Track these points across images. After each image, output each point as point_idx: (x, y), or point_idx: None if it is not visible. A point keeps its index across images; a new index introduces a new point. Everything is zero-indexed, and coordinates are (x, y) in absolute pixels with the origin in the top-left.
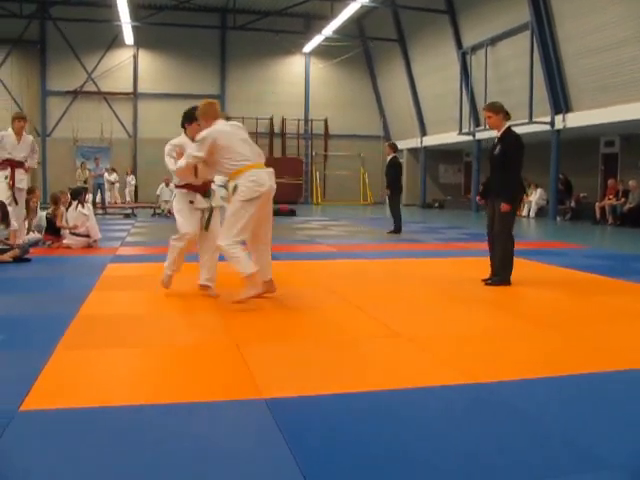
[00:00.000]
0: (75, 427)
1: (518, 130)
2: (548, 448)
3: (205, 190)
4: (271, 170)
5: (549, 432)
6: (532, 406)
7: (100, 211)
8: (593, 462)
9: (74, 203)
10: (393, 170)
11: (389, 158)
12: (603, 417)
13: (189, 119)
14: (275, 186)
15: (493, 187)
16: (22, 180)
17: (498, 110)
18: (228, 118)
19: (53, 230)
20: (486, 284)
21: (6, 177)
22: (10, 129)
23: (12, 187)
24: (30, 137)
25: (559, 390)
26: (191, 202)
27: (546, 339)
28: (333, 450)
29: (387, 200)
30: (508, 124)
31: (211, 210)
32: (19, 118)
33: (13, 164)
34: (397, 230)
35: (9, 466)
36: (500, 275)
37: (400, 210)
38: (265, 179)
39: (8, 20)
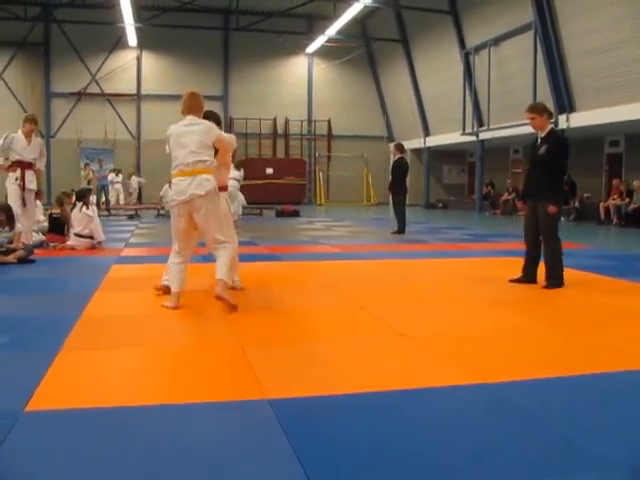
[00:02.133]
0: (80, 427)
1: (522, 130)
2: (552, 447)
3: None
4: (201, 177)
5: (553, 431)
6: (537, 406)
7: (105, 212)
8: (596, 461)
9: (78, 204)
10: (399, 171)
11: (395, 159)
12: (607, 417)
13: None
14: (202, 193)
15: (534, 188)
16: (32, 182)
17: (542, 111)
18: (209, 112)
19: (58, 230)
20: (543, 287)
21: (17, 179)
22: (19, 131)
23: (23, 189)
24: (39, 139)
25: (564, 390)
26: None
27: (551, 339)
28: (337, 451)
29: (390, 200)
30: (552, 125)
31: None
32: (30, 120)
33: (24, 165)
34: (401, 231)
35: (14, 466)
36: (553, 277)
37: (403, 210)
38: (183, 188)
39: (13, 23)
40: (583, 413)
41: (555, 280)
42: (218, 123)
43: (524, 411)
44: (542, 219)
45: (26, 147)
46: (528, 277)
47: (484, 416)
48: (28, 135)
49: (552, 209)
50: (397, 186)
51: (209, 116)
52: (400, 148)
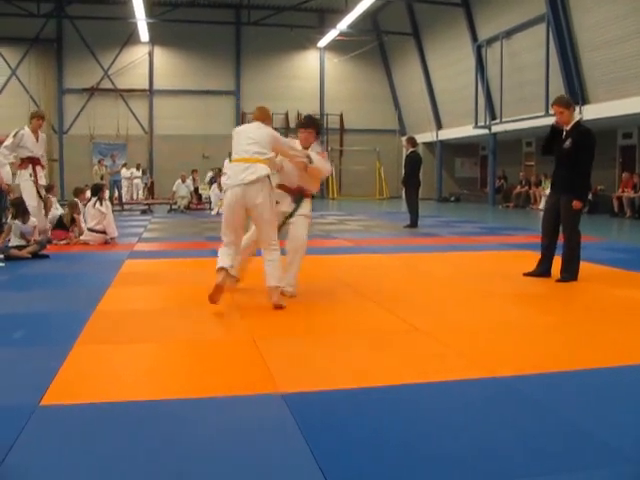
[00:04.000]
0: (94, 422)
1: (535, 123)
2: (567, 441)
3: (296, 195)
4: (257, 165)
5: (568, 425)
6: (551, 399)
7: (117, 207)
8: (611, 455)
9: (93, 199)
10: (411, 164)
11: (408, 152)
12: (621, 410)
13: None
14: (253, 178)
15: (559, 182)
16: (42, 177)
17: (569, 105)
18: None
19: (62, 227)
20: (557, 281)
21: (30, 175)
22: (27, 127)
23: (36, 184)
24: (43, 135)
25: (578, 383)
26: (277, 202)
27: (564, 332)
28: (350, 444)
29: (403, 194)
30: (578, 118)
31: (289, 216)
32: (39, 116)
33: (35, 162)
34: (413, 224)
35: (30, 460)
36: (568, 272)
37: (418, 205)
38: (236, 172)
39: (25, 19)
40: (599, 406)
41: (570, 274)
42: (318, 132)
43: (540, 405)
44: (564, 213)
45: (35, 144)
46: (543, 271)
47: (499, 409)
48: (35, 131)
49: (576, 204)
50: (410, 180)
51: (311, 122)
52: (412, 142)
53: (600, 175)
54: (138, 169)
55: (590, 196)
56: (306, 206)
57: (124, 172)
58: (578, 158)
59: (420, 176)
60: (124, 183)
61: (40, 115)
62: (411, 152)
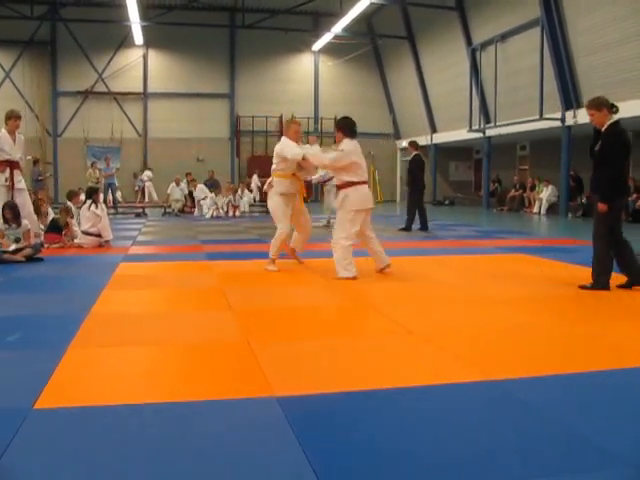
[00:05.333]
0: (88, 425)
1: (528, 127)
2: (565, 444)
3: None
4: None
5: (566, 428)
6: (548, 403)
7: (112, 210)
8: (610, 458)
9: (88, 202)
10: (414, 168)
11: (411, 156)
12: (619, 414)
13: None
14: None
15: (591, 185)
16: (20, 181)
17: (600, 106)
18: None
19: (55, 230)
20: (579, 287)
21: (6, 179)
22: (3, 129)
23: (12, 189)
24: (21, 136)
25: (576, 387)
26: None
27: (562, 336)
28: (345, 448)
29: (407, 197)
30: (615, 118)
31: None
32: (15, 117)
33: (13, 165)
34: (424, 226)
35: (23, 463)
36: (595, 281)
37: (415, 209)
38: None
39: (19, 22)
40: (597, 410)
41: (594, 285)
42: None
43: (537, 408)
44: (593, 218)
45: (12, 146)
46: (598, 284)
47: (496, 413)
48: (13, 132)
49: (600, 206)
50: (413, 183)
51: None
52: (415, 145)
53: None
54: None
55: (584, 200)
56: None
57: (148, 174)
58: (605, 159)
59: (423, 179)
60: (147, 185)
61: (16, 115)
62: (414, 155)
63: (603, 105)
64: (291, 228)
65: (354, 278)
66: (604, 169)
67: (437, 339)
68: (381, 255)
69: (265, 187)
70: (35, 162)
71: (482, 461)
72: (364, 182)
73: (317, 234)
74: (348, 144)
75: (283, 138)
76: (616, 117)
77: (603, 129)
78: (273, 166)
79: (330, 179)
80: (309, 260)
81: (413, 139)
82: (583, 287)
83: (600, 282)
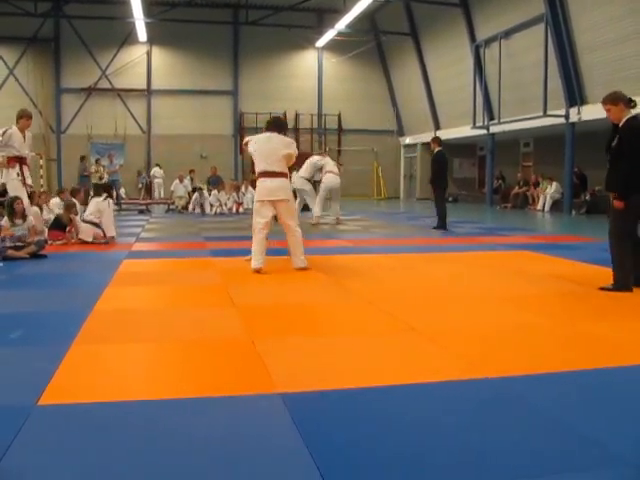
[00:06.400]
0: (91, 421)
1: (532, 123)
2: (564, 443)
3: None
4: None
5: (565, 427)
6: (547, 401)
7: (115, 207)
8: (609, 457)
9: (104, 196)
10: (436, 164)
11: (434, 152)
12: (619, 412)
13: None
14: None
15: (606, 182)
16: (29, 177)
17: (616, 100)
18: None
19: (59, 227)
20: (600, 289)
21: (18, 175)
22: (14, 126)
23: (24, 184)
24: (30, 134)
25: (577, 385)
26: None
27: (562, 334)
28: (348, 445)
29: (433, 196)
30: (633, 113)
31: None
32: (27, 116)
33: (22, 161)
34: (441, 226)
35: (27, 460)
36: (615, 281)
37: (444, 205)
38: None
39: (23, 19)
40: (597, 409)
41: (614, 286)
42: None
43: (536, 406)
44: (610, 215)
45: (22, 143)
46: (617, 285)
47: (495, 411)
48: (23, 130)
49: (615, 203)
50: (437, 180)
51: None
52: (438, 141)
53: (598, 176)
54: (160, 168)
55: (588, 197)
56: None
57: (158, 171)
58: (622, 155)
59: (446, 177)
60: (156, 182)
61: (28, 115)
62: (437, 152)
63: (620, 99)
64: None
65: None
66: (621, 165)
67: (440, 337)
68: (294, 253)
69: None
70: (82, 158)
71: (483, 459)
72: (266, 174)
73: (323, 231)
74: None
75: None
76: (633, 112)
77: (620, 124)
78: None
79: None
80: (313, 257)
81: (436, 136)
82: (603, 289)
83: (620, 283)
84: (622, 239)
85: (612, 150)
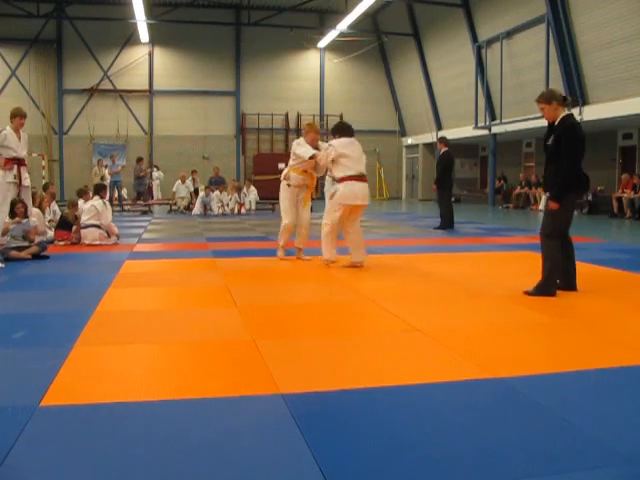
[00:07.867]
0: (94, 422)
1: (535, 124)
2: (567, 442)
3: None
4: None
5: (568, 426)
6: (554, 401)
7: (117, 208)
8: (612, 456)
9: (95, 197)
10: (442, 165)
11: (440, 153)
12: (625, 412)
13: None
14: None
15: (544, 181)
16: (26, 178)
17: (550, 99)
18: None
19: (65, 227)
20: (524, 293)
21: (14, 177)
22: (9, 127)
23: (19, 186)
24: (26, 135)
25: (579, 384)
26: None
27: (568, 334)
28: (351, 445)
29: (437, 196)
30: (566, 112)
31: None
32: (21, 115)
33: (20, 162)
34: (446, 225)
35: (30, 461)
36: (537, 285)
37: (450, 204)
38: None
39: (25, 20)
40: (603, 408)
41: (535, 288)
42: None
43: (543, 406)
44: (544, 215)
45: (18, 143)
46: (561, 283)
47: (501, 411)
48: (17, 130)
49: (550, 204)
50: (442, 180)
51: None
52: (445, 141)
53: (600, 176)
54: (157, 170)
55: (590, 196)
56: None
57: (155, 173)
58: (559, 155)
59: (451, 177)
60: (155, 183)
61: (22, 114)
62: (444, 152)
63: (553, 98)
64: (293, 222)
65: (327, 262)
66: (557, 164)
67: (443, 337)
68: (356, 251)
69: (282, 176)
70: (138, 160)
71: (486, 458)
72: (358, 178)
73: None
74: (337, 140)
75: (300, 139)
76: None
77: (556, 123)
78: (290, 162)
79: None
80: (316, 258)
81: (443, 135)
82: (525, 292)
83: (542, 287)
84: (552, 238)
85: (548, 149)
